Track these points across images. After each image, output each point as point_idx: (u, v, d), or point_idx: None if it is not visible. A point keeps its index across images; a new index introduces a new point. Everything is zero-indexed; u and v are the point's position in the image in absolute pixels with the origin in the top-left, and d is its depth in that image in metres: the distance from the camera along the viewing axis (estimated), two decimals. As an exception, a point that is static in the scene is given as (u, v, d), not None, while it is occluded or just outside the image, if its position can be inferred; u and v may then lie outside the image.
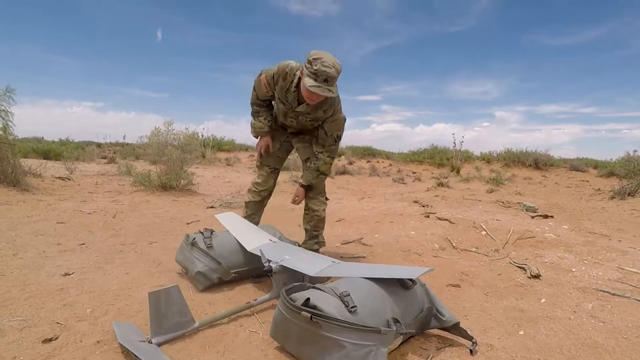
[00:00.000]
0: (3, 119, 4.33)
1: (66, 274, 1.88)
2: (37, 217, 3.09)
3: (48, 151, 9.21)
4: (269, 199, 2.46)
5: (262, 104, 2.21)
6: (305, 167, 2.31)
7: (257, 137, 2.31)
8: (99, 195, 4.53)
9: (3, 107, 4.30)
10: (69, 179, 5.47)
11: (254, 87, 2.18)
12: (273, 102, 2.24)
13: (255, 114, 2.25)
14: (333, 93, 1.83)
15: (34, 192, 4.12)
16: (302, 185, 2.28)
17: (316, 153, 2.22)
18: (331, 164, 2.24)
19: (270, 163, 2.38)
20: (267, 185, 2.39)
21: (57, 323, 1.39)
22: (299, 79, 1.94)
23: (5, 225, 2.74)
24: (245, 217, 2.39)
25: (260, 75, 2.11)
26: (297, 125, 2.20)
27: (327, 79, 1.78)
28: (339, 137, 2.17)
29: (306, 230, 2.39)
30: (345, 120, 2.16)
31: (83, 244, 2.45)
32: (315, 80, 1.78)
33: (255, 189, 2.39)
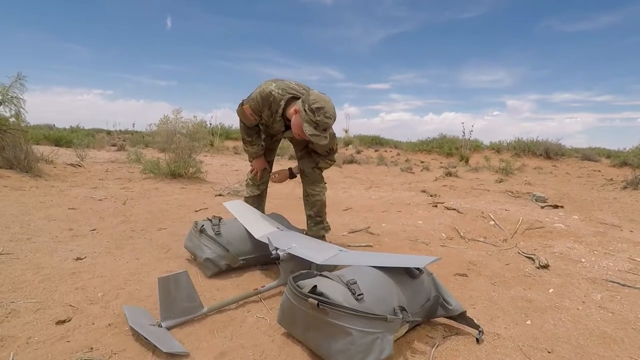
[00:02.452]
0: (15, 105, 4.39)
1: (78, 259, 1.92)
2: (49, 202, 3.15)
3: (59, 138, 9.33)
4: (266, 191, 2.48)
5: (252, 132, 2.20)
6: (299, 156, 2.30)
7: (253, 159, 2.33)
8: (110, 182, 4.59)
9: (15, 94, 4.35)
10: (80, 166, 5.54)
11: (240, 120, 2.16)
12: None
13: (248, 143, 2.24)
14: (327, 139, 1.86)
15: (46, 179, 4.19)
16: (290, 169, 2.32)
17: (316, 151, 2.21)
18: (330, 166, 2.26)
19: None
20: (265, 179, 2.40)
21: (70, 306, 1.43)
22: (284, 109, 1.95)
23: (19, 210, 2.80)
24: None
25: (242, 106, 2.07)
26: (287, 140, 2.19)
27: (326, 129, 1.83)
28: (332, 150, 2.19)
29: (309, 216, 2.34)
30: (334, 135, 2.12)
31: (94, 229, 2.49)
32: (315, 129, 1.80)
33: (252, 182, 2.39)
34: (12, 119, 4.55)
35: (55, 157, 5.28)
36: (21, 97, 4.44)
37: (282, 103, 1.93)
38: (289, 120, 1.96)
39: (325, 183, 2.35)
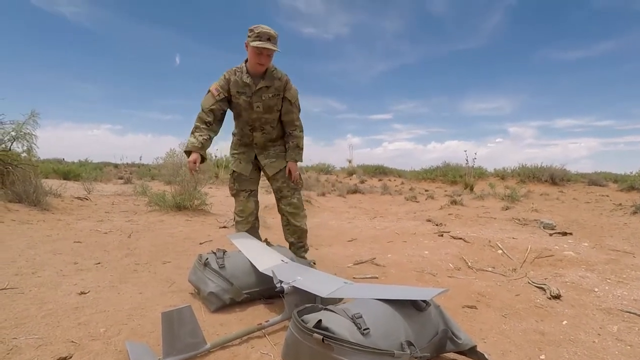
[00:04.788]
0: (27, 141, 4.51)
1: (82, 293, 1.91)
2: (55, 236, 3.17)
3: (68, 172, 9.50)
4: (258, 222, 2.54)
5: (204, 121, 2.23)
6: (273, 182, 2.45)
7: (188, 156, 2.18)
8: (115, 215, 4.62)
9: (28, 131, 4.49)
10: (87, 199, 5.60)
11: (201, 109, 2.27)
12: (226, 110, 2.34)
13: (193, 130, 2.22)
14: (273, 45, 2.11)
15: (54, 212, 4.23)
16: (294, 160, 2.44)
17: (289, 132, 2.42)
18: (302, 138, 2.46)
19: (245, 187, 2.45)
20: (250, 209, 2.45)
21: (72, 342, 1.41)
22: (246, 67, 2.25)
23: (26, 243, 2.81)
24: None
25: (207, 92, 2.29)
26: (263, 109, 2.30)
27: (269, 38, 2.10)
28: (299, 108, 2.41)
29: (291, 243, 2.53)
30: (297, 92, 2.39)
31: (99, 263, 2.49)
32: (260, 40, 2.09)
33: (241, 217, 2.46)
34: (24, 154, 4.67)
35: (63, 191, 5.35)
36: (34, 133, 4.59)
37: (242, 65, 2.28)
38: (255, 76, 2.25)
39: (305, 210, 2.54)
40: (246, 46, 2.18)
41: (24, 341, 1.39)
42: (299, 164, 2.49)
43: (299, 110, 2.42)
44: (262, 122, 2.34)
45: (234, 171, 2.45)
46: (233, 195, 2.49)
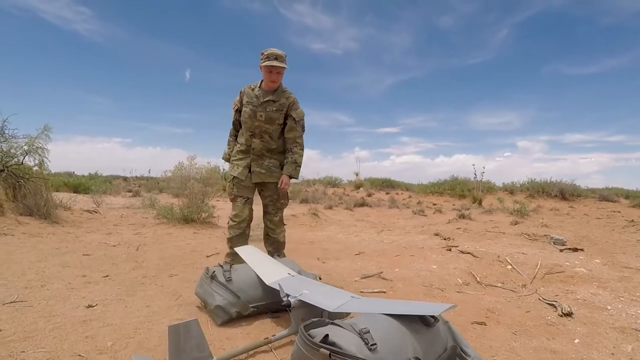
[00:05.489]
0: (40, 155, 4.60)
1: (89, 306, 1.92)
2: (65, 249, 3.20)
3: (78, 185, 9.63)
4: (249, 229, 2.68)
5: (231, 134, 2.76)
6: (262, 197, 2.68)
7: (226, 161, 2.73)
8: (124, 227, 4.66)
9: (40, 145, 4.59)
10: (96, 212, 5.67)
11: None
12: (240, 121, 2.64)
13: (228, 143, 2.79)
14: (280, 63, 2.38)
15: (63, 225, 4.28)
16: (288, 175, 2.56)
17: (290, 148, 2.58)
18: (302, 156, 2.59)
19: (243, 194, 2.61)
20: (244, 216, 2.61)
21: (79, 356, 1.41)
22: (260, 84, 2.55)
23: (36, 256, 2.85)
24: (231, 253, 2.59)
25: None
26: (265, 120, 2.50)
27: (277, 57, 2.39)
28: (304, 128, 2.58)
29: (269, 251, 2.71)
30: (304, 114, 2.59)
31: (107, 276, 2.50)
32: (269, 59, 2.38)
33: (234, 222, 2.61)
34: (36, 168, 4.76)
35: (73, 204, 5.42)
36: (46, 147, 4.68)
37: (257, 83, 2.57)
38: (266, 92, 2.51)
39: (284, 225, 2.74)
40: (260, 68, 2.45)
41: (32, 354, 1.40)
42: (293, 180, 2.63)
43: (303, 130, 2.60)
44: (262, 130, 2.52)
45: (233, 177, 2.62)
46: (231, 200, 2.67)
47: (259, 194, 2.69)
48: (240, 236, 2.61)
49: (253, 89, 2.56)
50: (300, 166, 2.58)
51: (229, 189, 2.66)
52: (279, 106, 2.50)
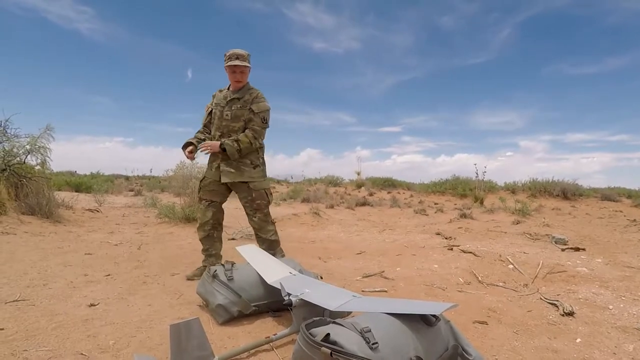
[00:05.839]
0: (42, 154, 4.62)
1: (91, 305, 1.93)
2: (67, 248, 3.21)
3: (80, 184, 9.65)
4: (217, 231, 2.68)
5: (199, 132, 2.71)
6: (239, 197, 2.62)
7: (184, 149, 2.63)
8: (125, 226, 4.67)
9: (43, 144, 4.60)
10: (98, 211, 5.68)
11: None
12: (209, 124, 2.68)
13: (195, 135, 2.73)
14: (242, 62, 2.43)
15: (65, 224, 4.29)
16: (221, 144, 2.46)
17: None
18: (251, 143, 2.48)
19: (207, 197, 2.64)
20: (206, 218, 2.61)
21: (81, 354, 1.42)
22: (229, 86, 2.60)
23: (38, 255, 2.86)
24: (203, 253, 2.64)
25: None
26: (231, 118, 2.52)
27: (237, 57, 2.44)
28: (265, 120, 2.53)
29: (264, 249, 2.61)
30: (269, 108, 2.56)
31: (108, 275, 2.51)
32: (230, 60, 2.44)
33: (198, 224, 2.65)
34: (38, 167, 4.78)
35: (74, 203, 5.44)
36: (48, 146, 4.70)
37: (227, 86, 2.62)
38: (233, 92, 2.55)
39: (271, 224, 2.65)
40: (225, 69, 2.52)
41: (34, 353, 1.40)
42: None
43: (264, 123, 2.53)
44: (229, 129, 2.53)
45: (204, 177, 2.69)
46: (198, 201, 2.73)
47: (222, 169, 2.58)
48: (207, 239, 2.63)
49: (222, 91, 2.63)
50: (240, 146, 2.44)
51: (198, 189, 2.71)
52: (243, 103, 2.51)
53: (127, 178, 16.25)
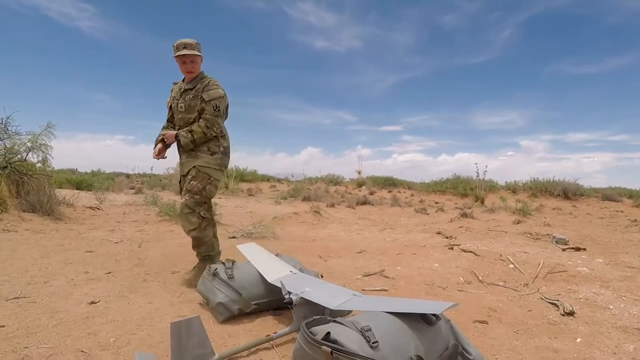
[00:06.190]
0: (43, 152, 4.62)
1: (92, 302, 1.93)
2: (68, 245, 3.21)
3: (81, 182, 9.66)
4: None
5: (166, 126, 2.63)
6: (183, 180, 2.49)
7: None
8: (126, 224, 4.67)
9: (44, 142, 4.60)
10: (99, 209, 5.69)
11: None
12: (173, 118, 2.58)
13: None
14: (190, 50, 2.34)
15: (66, 221, 4.30)
16: (176, 135, 2.42)
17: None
18: (204, 133, 2.38)
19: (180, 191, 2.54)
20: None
21: (82, 352, 1.42)
22: (184, 78, 2.51)
23: (39, 253, 2.86)
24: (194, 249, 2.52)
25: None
26: (185, 109, 2.45)
27: (185, 46, 2.36)
28: (217, 108, 2.40)
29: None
30: (223, 95, 2.44)
31: (109, 272, 2.51)
32: (178, 50, 2.36)
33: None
34: (39, 165, 4.78)
35: (75, 200, 5.44)
36: (49, 144, 4.70)
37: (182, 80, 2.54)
38: (187, 81, 2.48)
39: (197, 218, 2.39)
40: (176, 61, 2.44)
41: (35, 350, 1.40)
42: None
43: (217, 111, 2.40)
44: (185, 121, 2.47)
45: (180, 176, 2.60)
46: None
47: (181, 160, 2.52)
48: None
49: (177, 84, 2.56)
50: (193, 137, 2.37)
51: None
52: (195, 92, 2.43)
53: (128, 176, 16.26)
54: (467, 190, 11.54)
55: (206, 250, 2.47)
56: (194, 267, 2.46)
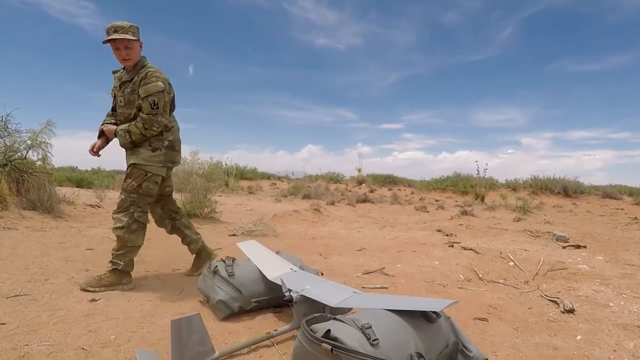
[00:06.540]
0: (43, 150, 4.62)
1: (92, 300, 1.93)
2: (68, 243, 3.22)
3: (81, 180, 9.66)
4: (177, 220, 2.52)
5: (110, 114, 2.43)
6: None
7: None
8: (127, 222, 4.67)
9: (44, 139, 4.60)
10: (99, 207, 5.69)
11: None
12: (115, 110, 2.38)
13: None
14: (122, 34, 2.10)
15: (67, 219, 4.30)
16: (116, 132, 2.23)
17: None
18: (141, 133, 2.15)
19: None
20: (157, 215, 2.50)
21: (83, 349, 1.42)
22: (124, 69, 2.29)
23: (40, 250, 2.86)
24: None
25: None
26: (125, 104, 2.24)
27: (115, 30, 2.11)
28: (155, 105, 2.13)
29: None
30: (161, 89, 2.15)
31: (110, 270, 2.51)
32: (108, 34, 2.11)
33: (156, 223, 2.55)
34: (39, 162, 4.78)
35: (76, 198, 5.44)
36: (49, 142, 4.69)
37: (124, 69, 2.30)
38: (127, 71, 2.25)
39: (128, 218, 2.16)
40: (111, 47, 2.19)
41: (35, 348, 1.41)
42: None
43: (157, 110, 2.14)
44: (125, 116, 2.25)
45: None
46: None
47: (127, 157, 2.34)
48: (174, 231, 2.55)
49: (117, 72, 2.33)
50: (132, 138, 2.17)
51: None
52: (132, 86, 2.19)
53: (128, 174, 16.23)
54: (468, 188, 11.54)
55: (122, 258, 2.17)
56: (102, 273, 2.17)
